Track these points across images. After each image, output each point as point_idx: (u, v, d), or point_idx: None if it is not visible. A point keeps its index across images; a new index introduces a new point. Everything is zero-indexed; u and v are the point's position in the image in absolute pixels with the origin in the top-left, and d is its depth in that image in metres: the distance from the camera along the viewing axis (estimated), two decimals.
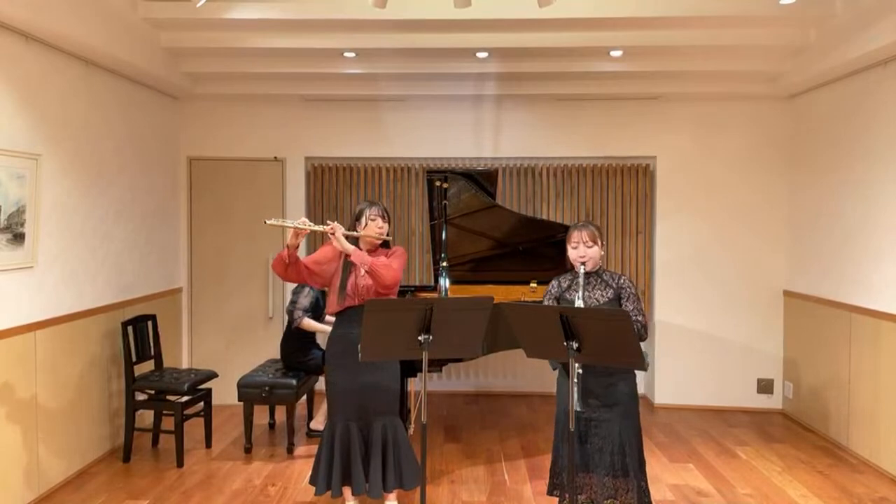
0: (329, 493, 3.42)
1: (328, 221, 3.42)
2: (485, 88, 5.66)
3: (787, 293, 5.72)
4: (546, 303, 3.18)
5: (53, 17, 3.75)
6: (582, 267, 3.06)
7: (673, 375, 5.90)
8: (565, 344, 2.68)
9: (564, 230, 5.14)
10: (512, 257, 5.26)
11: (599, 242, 3.10)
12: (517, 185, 6.01)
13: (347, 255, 3.40)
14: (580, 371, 2.90)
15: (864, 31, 4.19)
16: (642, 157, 5.96)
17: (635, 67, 5.16)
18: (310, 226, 3.33)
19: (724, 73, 5.27)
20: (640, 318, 3.01)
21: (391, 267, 3.39)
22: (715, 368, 5.84)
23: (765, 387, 5.83)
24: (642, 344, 2.79)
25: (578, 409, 2.84)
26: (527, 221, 5.26)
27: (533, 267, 5.29)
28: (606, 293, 3.07)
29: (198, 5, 3.81)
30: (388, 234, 3.52)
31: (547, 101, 5.90)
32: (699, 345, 5.87)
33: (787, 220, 5.73)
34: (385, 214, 3.52)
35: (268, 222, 3.34)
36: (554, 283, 3.21)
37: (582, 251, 3.07)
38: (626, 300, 3.05)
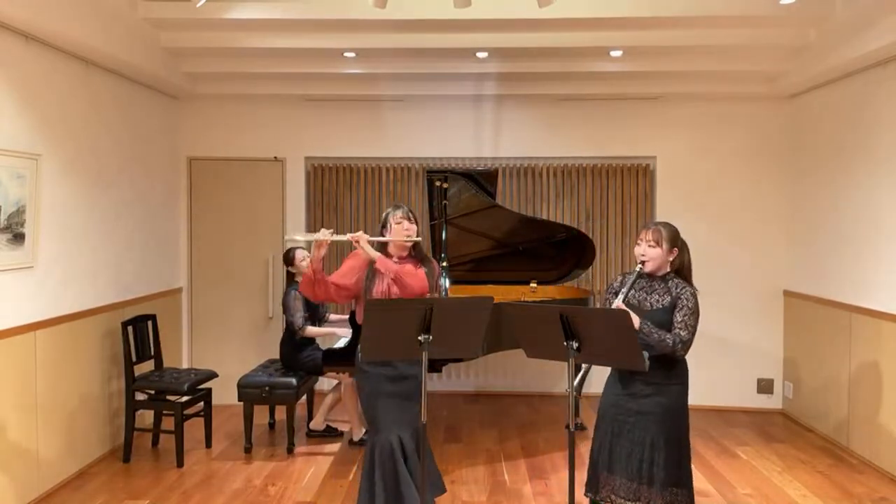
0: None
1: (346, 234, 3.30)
2: (485, 88, 5.66)
3: (787, 293, 5.72)
4: (606, 297, 3.09)
5: (53, 17, 3.75)
6: (639, 266, 2.96)
7: None
8: (565, 344, 2.67)
9: (564, 230, 5.21)
10: (512, 257, 5.27)
11: (666, 246, 2.95)
12: (517, 185, 6.01)
13: (373, 262, 3.27)
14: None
15: (864, 31, 4.19)
16: (642, 157, 5.96)
17: (635, 67, 5.16)
18: (333, 237, 3.19)
19: (724, 73, 5.27)
20: (682, 333, 2.88)
21: (417, 276, 3.25)
22: (715, 368, 5.84)
23: (765, 387, 5.83)
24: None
25: (574, 390, 2.81)
26: (527, 221, 5.27)
27: (533, 267, 5.29)
28: (663, 299, 2.95)
29: (198, 5, 3.81)
30: (418, 235, 3.37)
31: (547, 101, 5.90)
32: (699, 345, 5.81)
33: (787, 220, 5.73)
34: (411, 216, 3.37)
35: (287, 238, 3.20)
36: (618, 277, 3.12)
37: (643, 249, 2.95)
38: (678, 311, 2.91)
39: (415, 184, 6.03)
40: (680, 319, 2.90)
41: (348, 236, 3.26)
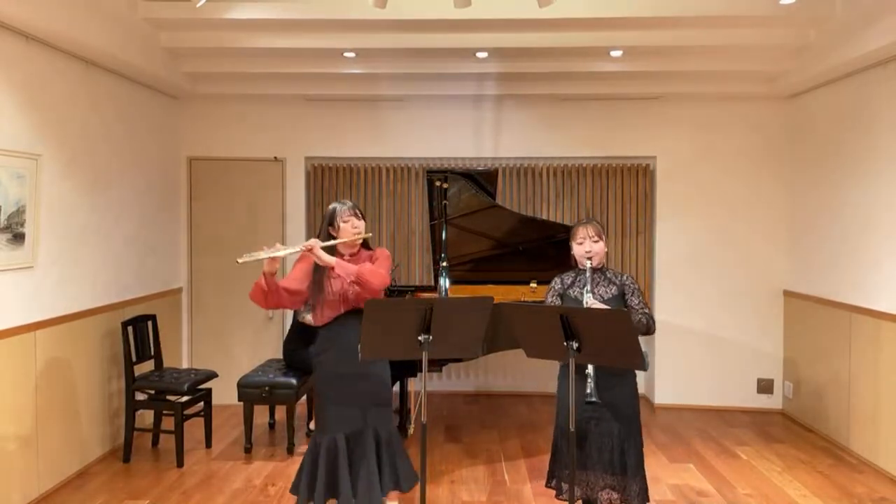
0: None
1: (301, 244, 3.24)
2: (485, 88, 5.66)
3: (787, 293, 5.72)
4: (549, 300, 3.15)
5: (53, 17, 3.75)
6: (589, 262, 3.05)
7: (673, 375, 5.90)
8: (565, 344, 2.68)
9: (564, 230, 5.19)
10: (512, 257, 5.26)
11: (604, 238, 3.12)
12: (517, 185, 6.01)
13: (331, 269, 3.19)
14: (591, 374, 2.92)
15: (864, 31, 4.19)
16: (642, 157, 5.96)
17: (635, 67, 5.16)
18: (286, 250, 3.10)
19: (724, 73, 5.27)
20: (646, 311, 3.04)
21: (378, 272, 3.21)
22: (715, 368, 5.84)
23: (765, 387, 5.83)
24: (642, 343, 2.79)
25: (594, 399, 2.87)
26: (527, 221, 5.26)
27: (533, 267, 5.28)
28: (610, 290, 3.07)
29: (198, 5, 3.81)
30: (366, 231, 3.35)
31: (547, 101, 5.90)
32: (699, 345, 5.87)
33: (787, 220, 5.73)
34: (357, 212, 3.32)
35: (240, 261, 3.07)
36: (556, 280, 3.18)
37: (588, 246, 3.07)
38: (631, 295, 3.06)
39: (415, 184, 6.03)
40: (637, 302, 3.06)
41: (300, 247, 3.20)
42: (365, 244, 3.43)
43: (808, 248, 5.39)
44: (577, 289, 3.06)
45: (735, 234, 5.82)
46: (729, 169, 5.83)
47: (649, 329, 3.01)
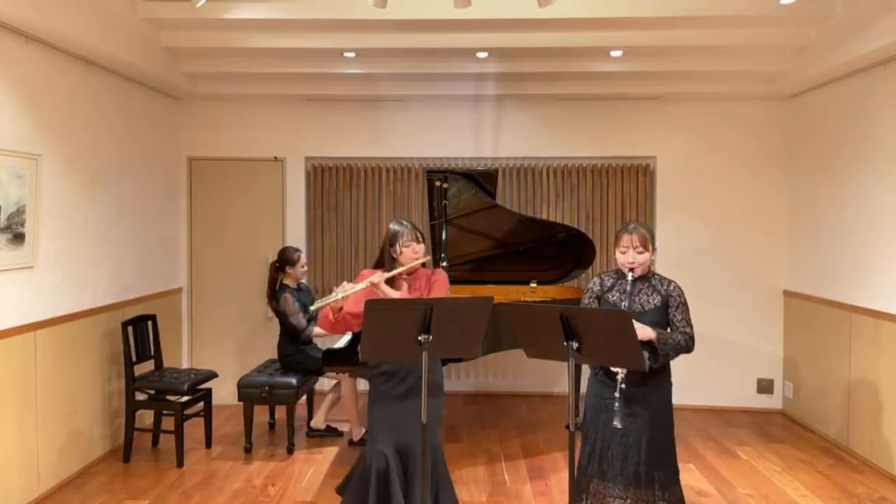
0: (328, 495, 3.29)
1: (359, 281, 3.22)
2: (485, 88, 5.66)
3: (787, 293, 5.72)
4: (585, 302, 3.02)
5: (53, 17, 3.75)
6: (630, 273, 2.89)
7: (673, 375, 5.87)
8: (565, 344, 2.67)
9: (564, 230, 5.20)
10: (512, 257, 5.27)
11: (651, 247, 2.90)
12: (517, 185, 6.01)
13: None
14: (623, 385, 2.76)
15: (864, 31, 4.19)
16: (642, 157, 5.96)
17: (635, 67, 5.16)
18: (353, 289, 3.13)
19: (724, 73, 5.27)
20: (687, 330, 2.88)
21: None
22: (715, 368, 5.84)
23: (765, 387, 5.83)
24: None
25: (618, 425, 2.74)
26: (527, 221, 5.26)
27: (533, 267, 5.29)
28: (653, 299, 2.92)
29: (198, 5, 3.81)
30: (425, 255, 3.30)
31: (547, 101, 5.90)
32: (699, 345, 5.82)
33: (787, 220, 5.73)
34: (418, 237, 3.28)
35: (313, 307, 3.19)
36: (595, 280, 3.04)
37: (631, 257, 2.88)
38: (675, 309, 2.90)
39: (415, 184, 6.03)
40: (680, 318, 2.92)
41: (366, 283, 3.16)
42: (428, 266, 3.38)
43: (808, 248, 5.40)
44: (617, 295, 2.93)
45: (735, 234, 5.82)
46: (729, 169, 5.83)
47: (688, 349, 2.86)
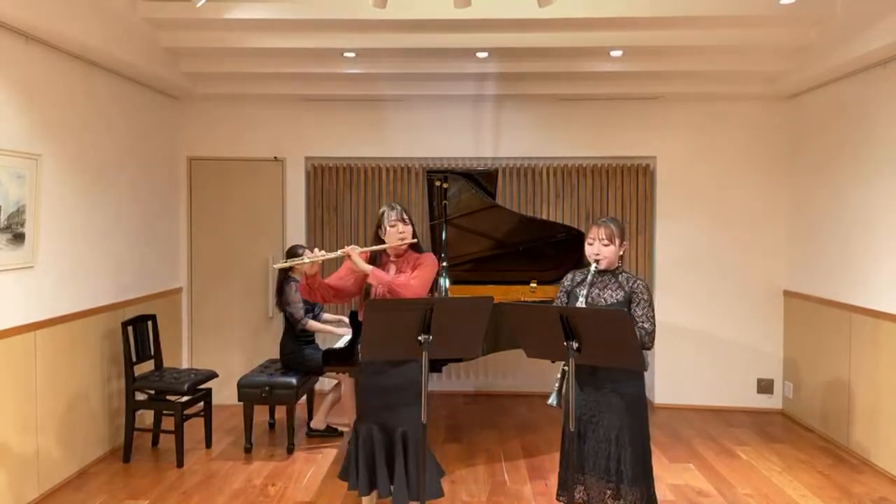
0: (339, 493, 3.32)
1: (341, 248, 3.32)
2: (485, 88, 5.66)
3: (787, 293, 5.73)
4: (558, 295, 3.11)
5: (53, 17, 3.75)
6: (594, 265, 2.97)
7: (673, 375, 5.90)
8: (565, 344, 2.67)
9: (564, 230, 5.20)
10: (512, 257, 5.26)
11: (618, 242, 2.97)
12: (517, 185, 6.01)
13: (366, 276, 3.27)
14: (565, 367, 2.90)
15: (864, 31, 4.19)
16: (642, 157, 5.96)
17: (635, 67, 5.16)
18: (325, 256, 3.20)
19: (724, 73, 5.27)
20: (645, 326, 2.92)
21: (409, 286, 3.22)
22: (715, 368, 5.84)
23: (765, 387, 5.83)
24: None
25: (553, 403, 2.93)
26: (527, 221, 5.26)
27: (533, 267, 5.28)
28: (617, 294, 2.97)
29: (198, 5, 3.81)
30: (414, 237, 3.36)
31: (547, 101, 5.90)
32: (699, 345, 5.88)
33: (787, 220, 5.73)
34: (405, 217, 3.35)
35: (276, 266, 3.31)
36: (568, 276, 3.12)
37: (597, 248, 2.97)
38: (637, 305, 2.95)
39: (415, 184, 6.03)
40: (640, 313, 2.95)
41: (339, 252, 3.26)
42: (416, 247, 3.42)
43: (808, 248, 5.39)
44: (586, 289, 2.98)
45: (735, 234, 5.82)
46: (729, 169, 5.83)
47: (643, 344, 2.87)
